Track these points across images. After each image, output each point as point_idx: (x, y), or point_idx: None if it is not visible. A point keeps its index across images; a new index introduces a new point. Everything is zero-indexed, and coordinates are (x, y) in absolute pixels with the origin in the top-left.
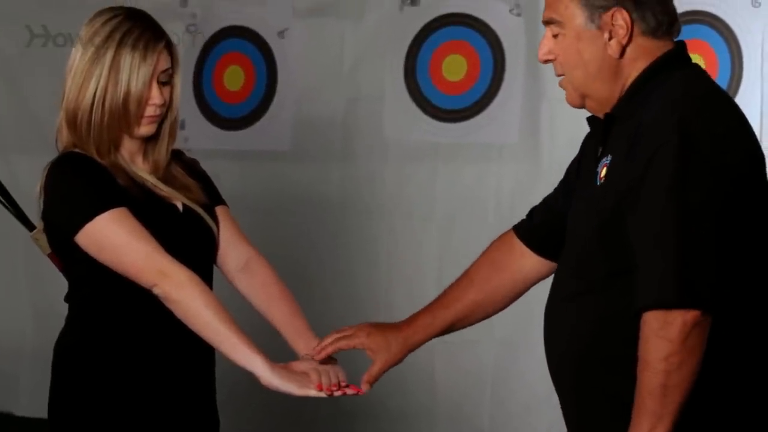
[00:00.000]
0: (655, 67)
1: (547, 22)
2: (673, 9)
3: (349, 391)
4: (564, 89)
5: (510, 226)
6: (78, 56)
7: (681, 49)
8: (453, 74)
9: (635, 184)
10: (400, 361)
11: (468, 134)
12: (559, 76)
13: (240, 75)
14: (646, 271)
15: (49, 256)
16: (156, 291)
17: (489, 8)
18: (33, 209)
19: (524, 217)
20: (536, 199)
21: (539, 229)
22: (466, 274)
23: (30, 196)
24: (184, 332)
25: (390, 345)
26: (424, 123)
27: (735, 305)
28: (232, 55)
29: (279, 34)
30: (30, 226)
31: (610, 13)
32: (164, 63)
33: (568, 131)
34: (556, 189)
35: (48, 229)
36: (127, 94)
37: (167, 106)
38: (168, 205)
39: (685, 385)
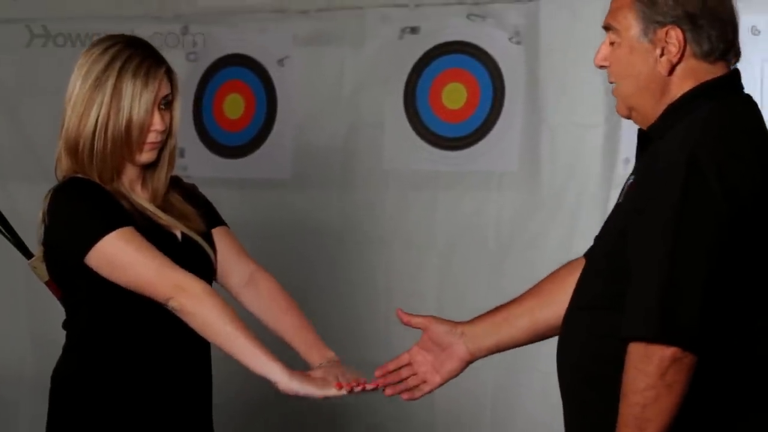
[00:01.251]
0: (697, 91)
1: (606, 28)
2: (732, 36)
3: (369, 386)
4: (615, 98)
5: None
6: (78, 85)
7: (732, 76)
8: (453, 102)
9: (639, 211)
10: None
11: (468, 162)
12: (611, 83)
13: (240, 103)
14: (633, 300)
15: (47, 283)
16: (172, 304)
17: (489, 36)
18: (31, 237)
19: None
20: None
21: None
22: (531, 288)
23: (28, 223)
24: (182, 361)
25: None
26: (423, 151)
27: (729, 345)
28: (231, 83)
29: (279, 62)
30: (28, 254)
31: (664, 30)
32: (165, 89)
33: (567, 159)
34: None
35: (50, 255)
36: (129, 120)
37: (167, 132)
38: (167, 234)
39: (662, 420)
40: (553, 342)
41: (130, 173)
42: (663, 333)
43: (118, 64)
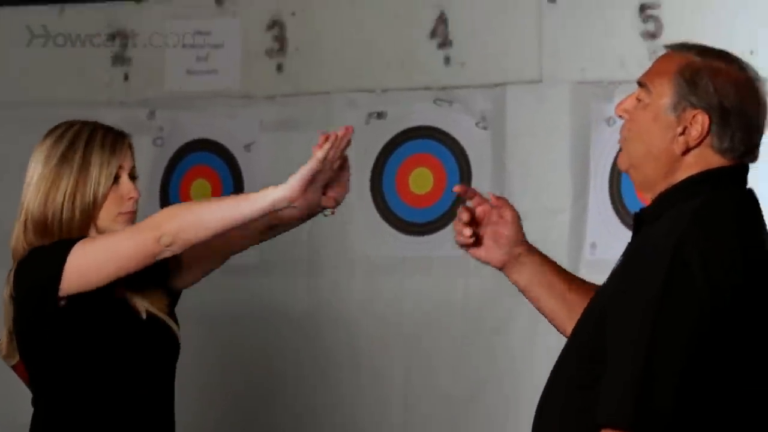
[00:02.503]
0: (698, 178)
1: (640, 84)
2: (756, 143)
3: (340, 132)
4: (620, 146)
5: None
6: (40, 167)
7: (738, 168)
8: (419, 187)
9: (621, 293)
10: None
11: (435, 247)
12: (621, 134)
13: (207, 188)
14: (607, 387)
15: (14, 367)
16: (163, 242)
17: (455, 121)
18: None
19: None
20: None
21: None
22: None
23: None
24: None
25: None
26: (390, 237)
27: None
28: (198, 168)
29: (245, 147)
30: None
31: (693, 112)
32: (130, 161)
33: (534, 243)
34: None
35: (20, 316)
36: (97, 190)
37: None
38: (130, 311)
39: None
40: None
41: None
42: (635, 423)
43: (83, 138)
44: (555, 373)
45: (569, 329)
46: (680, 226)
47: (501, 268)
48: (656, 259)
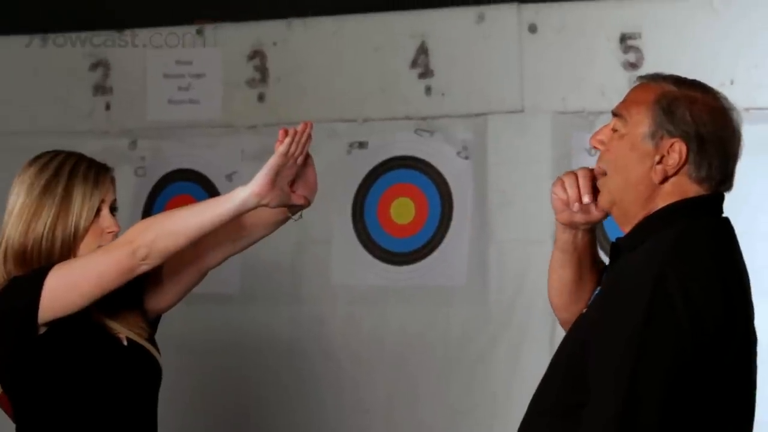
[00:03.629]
0: (675, 206)
1: (615, 114)
2: (732, 171)
3: (299, 128)
4: (598, 187)
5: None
6: (22, 195)
7: (714, 197)
8: (401, 217)
9: (601, 325)
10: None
11: (416, 277)
12: (598, 169)
13: None
14: (591, 418)
15: None
16: (139, 254)
17: (437, 151)
18: None
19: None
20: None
21: None
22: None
23: None
24: None
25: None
26: (372, 266)
27: None
28: (180, 198)
29: (227, 177)
30: None
31: (671, 141)
32: (112, 194)
33: (516, 274)
34: None
35: (2, 352)
36: (78, 222)
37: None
38: (111, 338)
39: None
40: None
41: None
42: None
43: (67, 170)
44: (535, 401)
45: (562, 303)
46: (659, 257)
47: (558, 221)
48: (637, 289)
